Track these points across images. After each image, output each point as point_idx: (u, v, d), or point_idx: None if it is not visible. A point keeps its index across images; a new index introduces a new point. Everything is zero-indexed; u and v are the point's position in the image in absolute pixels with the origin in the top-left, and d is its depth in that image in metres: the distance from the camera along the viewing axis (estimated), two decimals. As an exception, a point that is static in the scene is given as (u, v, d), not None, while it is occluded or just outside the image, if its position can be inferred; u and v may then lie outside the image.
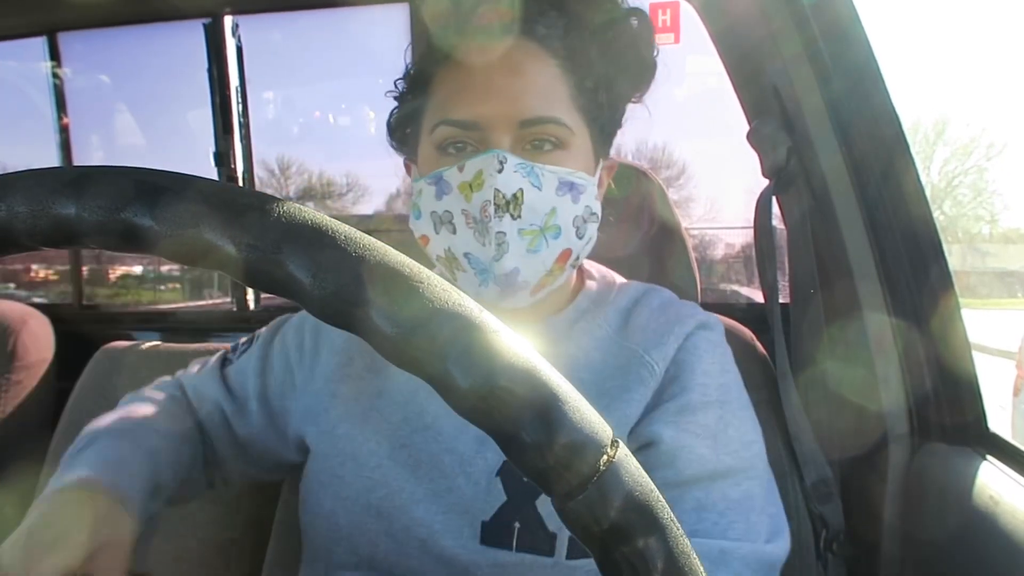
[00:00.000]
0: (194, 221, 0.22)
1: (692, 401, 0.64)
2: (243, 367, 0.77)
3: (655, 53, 0.70)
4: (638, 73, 0.70)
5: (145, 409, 0.71)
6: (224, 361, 0.79)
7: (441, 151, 0.65)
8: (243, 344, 0.80)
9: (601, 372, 0.67)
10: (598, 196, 0.70)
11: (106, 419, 0.68)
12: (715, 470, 0.61)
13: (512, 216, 0.61)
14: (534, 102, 0.63)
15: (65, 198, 0.23)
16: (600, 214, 0.69)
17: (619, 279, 0.78)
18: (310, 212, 0.22)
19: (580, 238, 0.66)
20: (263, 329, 0.81)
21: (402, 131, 0.73)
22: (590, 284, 0.75)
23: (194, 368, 0.80)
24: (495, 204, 0.61)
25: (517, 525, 0.61)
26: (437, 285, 0.22)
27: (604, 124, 0.69)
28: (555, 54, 0.65)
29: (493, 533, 0.62)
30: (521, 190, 0.61)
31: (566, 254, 0.66)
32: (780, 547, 0.62)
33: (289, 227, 0.22)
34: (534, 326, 0.70)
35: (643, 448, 0.62)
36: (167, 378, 0.81)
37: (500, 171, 0.61)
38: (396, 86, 0.72)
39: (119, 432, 0.65)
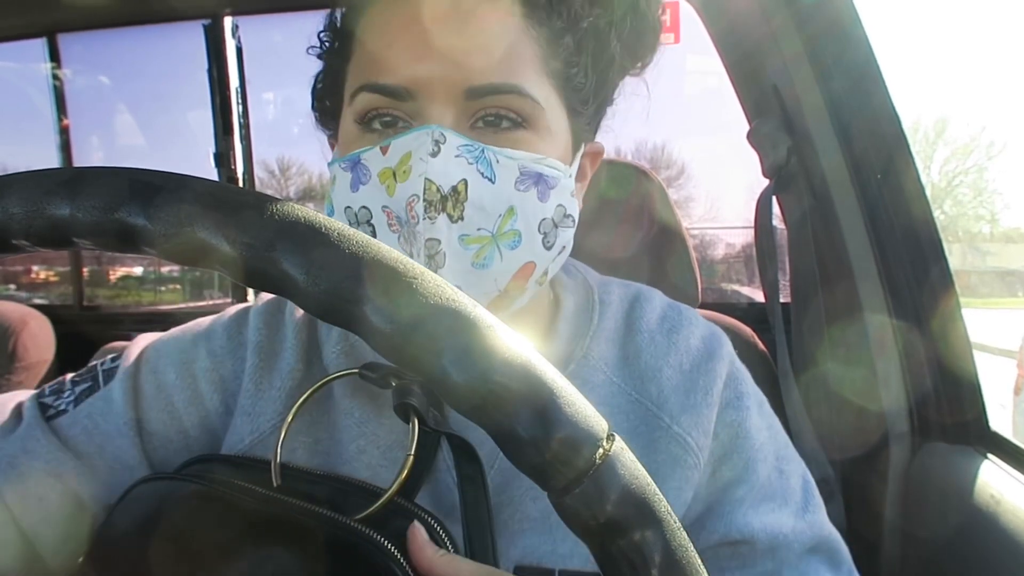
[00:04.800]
0: (188, 220, 0.22)
1: (761, 475, 0.55)
2: (96, 420, 0.55)
3: (659, 12, 0.54)
4: (636, 33, 0.53)
5: None
6: (44, 409, 0.56)
7: (364, 126, 0.49)
8: (76, 382, 0.58)
9: None
10: (577, 192, 0.54)
11: None
12: (809, 539, 0.55)
13: (450, 217, 0.46)
14: (487, 63, 0.46)
15: (60, 199, 0.23)
16: (577, 216, 0.53)
17: (591, 280, 0.62)
18: (304, 210, 0.22)
19: (548, 248, 0.51)
20: (104, 363, 0.60)
21: (323, 101, 0.56)
22: (566, 301, 0.59)
23: None
24: (425, 200, 0.45)
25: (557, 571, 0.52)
26: (431, 281, 0.22)
27: (588, 98, 0.53)
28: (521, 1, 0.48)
29: None
30: (465, 182, 0.46)
31: (528, 268, 0.50)
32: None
33: (283, 225, 0.22)
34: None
35: (732, 544, 0.54)
36: None
37: (434, 154, 0.45)
38: (319, 39, 0.55)
39: None
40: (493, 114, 0.48)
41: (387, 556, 0.44)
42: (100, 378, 0.58)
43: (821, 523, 0.56)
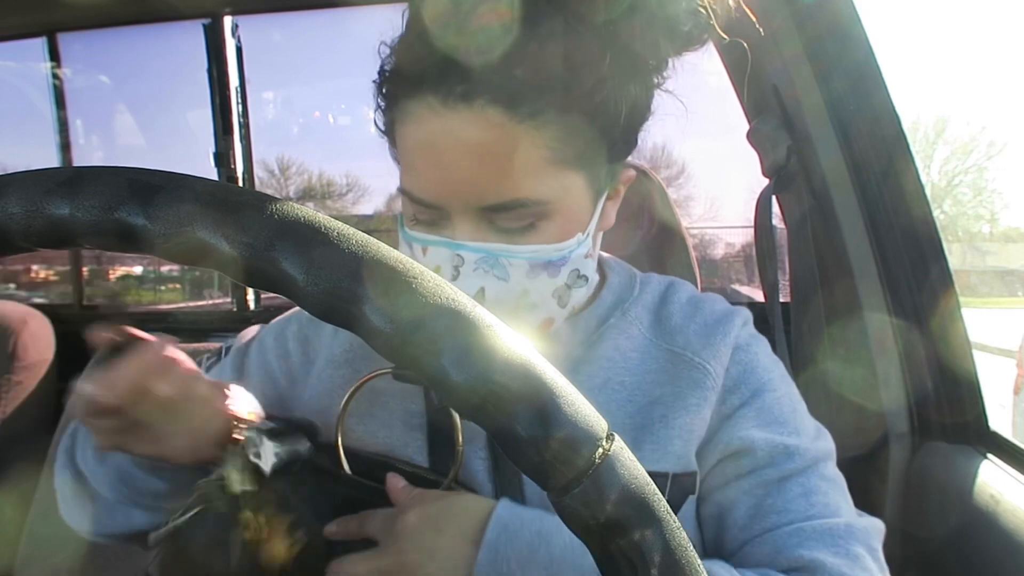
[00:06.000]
0: (188, 220, 0.22)
1: (767, 401, 0.62)
2: (215, 375, 0.70)
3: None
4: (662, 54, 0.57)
5: None
6: None
7: (413, 216, 0.58)
8: (208, 358, 0.74)
9: (644, 376, 0.62)
10: (609, 209, 0.62)
11: None
12: (812, 457, 0.60)
13: None
14: (495, 186, 0.52)
15: (59, 198, 0.23)
16: (592, 274, 0.62)
17: (636, 271, 0.71)
18: (304, 210, 0.22)
19: (563, 307, 0.59)
20: (225, 345, 0.75)
21: (386, 135, 0.61)
22: (612, 277, 0.68)
23: None
24: None
25: None
26: (431, 281, 0.22)
27: (606, 150, 0.57)
28: (523, 115, 0.51)
29: None
30: (482, 289, 0.55)
31: (547, 323, 0.59)
32: (878, 520, 0.62)
33: (282, 225, 0.22)
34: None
35: (735, 455, 0.61)
36: None
37: (454, 278, 0.54)
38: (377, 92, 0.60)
39: None
40: (508, 221, 0.54)
41: None
42: (222, 355, 0.74)
43: (829, 449, 0.63)
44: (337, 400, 0.63)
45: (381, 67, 0.58)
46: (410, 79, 0.54)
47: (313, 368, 0.68)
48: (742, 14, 0.59)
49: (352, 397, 0.60)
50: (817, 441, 0.62)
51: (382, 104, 0.59)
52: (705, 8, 0.55)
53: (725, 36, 0.57)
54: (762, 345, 0.66)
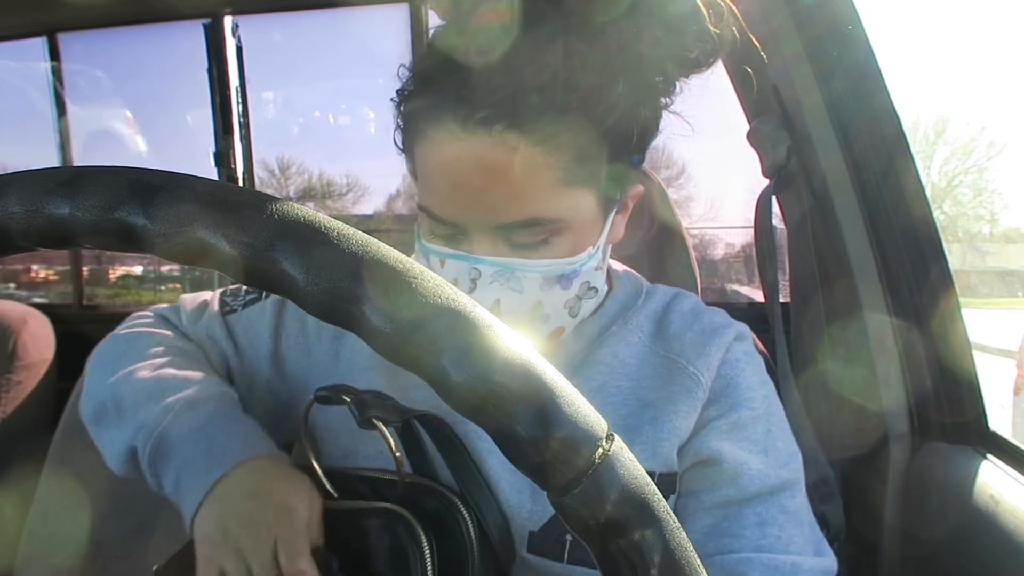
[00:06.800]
0: (188, 220, 0.22)
1: (743, 417, 0.63)
2: (252, 321, 0.71)
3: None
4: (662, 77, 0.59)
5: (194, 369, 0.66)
6: (223, 305, 0.73)
7: (431, 230, 0.60)
8: (248, 292, 0.73)
9: (640, 380, 0.64)
10: (618, 223, 0.64)
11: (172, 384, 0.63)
12: (774, 485, 0.61)
13: None
14: (511, 206, 0.55)
15: (59, 198, 0.23)
16: (601, 285, 0.65)
17: (645, 281, 0.74)
18: (304, 210, 0.22)
19: (574, 316, 0.62)
20: None
21: (403, 143, 0.63)
22: (618, 287, 0.70)
23: (187, 308, 0.74)
24: None
25: (569, 538, 0.60)
26: (431, 281, 0.22)
27: (625, 161, 0.60)
28: (539, 140, 0.53)
29: (542, 543, 0.60)
30: (498, 301, 0.57)
31: (558, 331, 0.62)
32: (833, 560, 0.62)
33: (282, 225, 0.22)
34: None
35: (702, 464, 0.62)
36: (148, 317, 0.74)
37: (471, 290, 0.57)
38: (396, 98, 0.62)
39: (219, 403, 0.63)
40: (524, 237, 0.57)
41: (418, 545, 0.54)
42: (263, 294, 0.72)
43: (795, 478, 0.63)
44: (371, 367, 0.67)
45: (401, 89, 0.60)
46: (430, 104, 0.56)
47: (347, 337, 0.68)
48: (742, 14, 0.59)
49: (307, 418, 0.61)
50: (784, 468, 0.63)
51: (401, 124, 0.61)
52: (712, 37, 0.57)
53: (730, 63, 0.59)
54: (753, 364, 0.67)
